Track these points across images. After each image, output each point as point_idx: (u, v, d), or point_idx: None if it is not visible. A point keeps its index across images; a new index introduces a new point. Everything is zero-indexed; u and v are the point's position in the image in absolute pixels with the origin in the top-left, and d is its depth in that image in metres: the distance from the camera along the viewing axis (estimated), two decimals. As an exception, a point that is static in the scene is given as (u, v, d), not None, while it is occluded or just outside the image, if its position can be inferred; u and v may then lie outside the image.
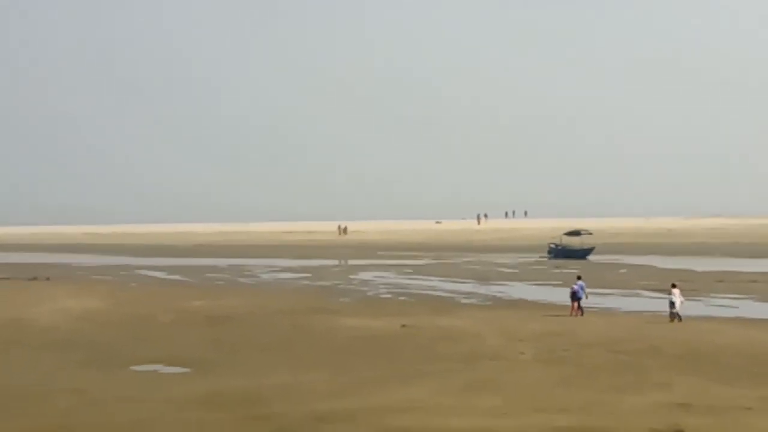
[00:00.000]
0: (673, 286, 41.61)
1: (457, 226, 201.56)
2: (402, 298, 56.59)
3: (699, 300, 53.19)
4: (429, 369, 28.10)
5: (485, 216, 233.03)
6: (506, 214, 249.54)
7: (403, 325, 39.02)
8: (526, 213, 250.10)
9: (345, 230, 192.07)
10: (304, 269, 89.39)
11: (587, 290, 43.63)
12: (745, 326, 39.16)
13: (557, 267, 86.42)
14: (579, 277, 45.77)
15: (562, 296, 50.90)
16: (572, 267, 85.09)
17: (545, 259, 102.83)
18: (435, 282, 70.30)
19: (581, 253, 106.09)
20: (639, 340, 33.86)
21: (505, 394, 23.90)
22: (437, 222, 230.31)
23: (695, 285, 62.52)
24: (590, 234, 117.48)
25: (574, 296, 43.56)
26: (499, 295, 57.57)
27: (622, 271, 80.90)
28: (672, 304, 40.53)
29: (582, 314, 43.02)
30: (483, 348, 32.70)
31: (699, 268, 79.52)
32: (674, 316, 40.34)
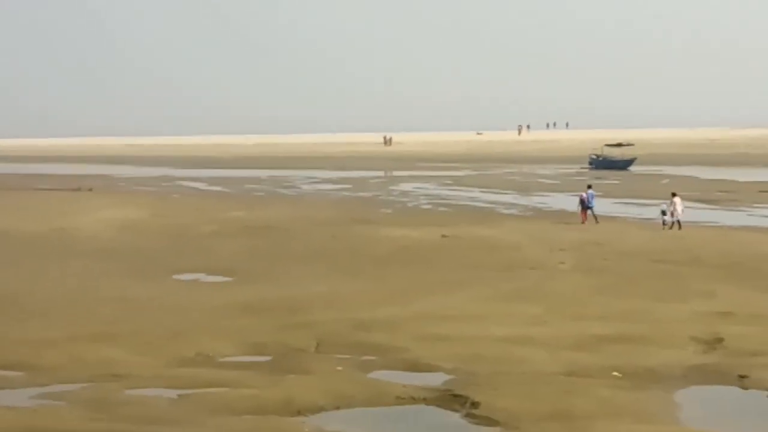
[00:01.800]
0: (674, 195, 42.11)
1: (498, 137, 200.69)
2: (442, 208, 56.59)
3: (741, 210, 52.90)
4: (468, 278, 28.14)
5: (527, 127, 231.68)
6: (547, 125, 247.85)
7: (444, 236, 39.00)
8: (567, 124, 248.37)
9: (390, 141, 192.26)
10: (344, 180, 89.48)
11: (623, 200, 43.40)
12: (788, 236, 38.85)
13: (598, 178, 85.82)
14: (589, 186, 46.39)
15: (607, 207, 50.71)
16: (613, 178, 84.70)
17: (586, 170, 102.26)
18: (475, 193, 70.24)
19: (622, 164, 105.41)
20: (680, 251, 33.70)
21: (545, 302, 23.89)
22: (478, 133, 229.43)
23: (737, 195, 62.18)
24: (632, 145, 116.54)
25: (584, 204, 44.28)
26: (539, 205, 57.47)
27: (664, 181, 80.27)
28: (663, 212, 41.31)
29: (597, 222, 43.68)
30: (523, 258, 32.69)
31: (741, 179, 78.88)
32: (666, 223, 40.96)
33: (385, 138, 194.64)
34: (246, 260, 33.52)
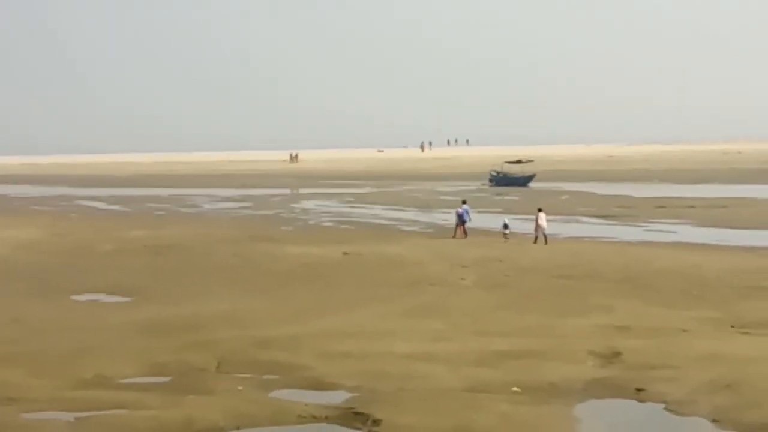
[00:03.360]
0: (539, 210, 43.64)
1: (400, 155, 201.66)
2: (344, 226, 56.59)
3: (638, 225, 53.75)
4: (371, 295, 28.17)
5: (430, 144, 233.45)
6: (448, 142, 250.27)
7: (345, 253, 39.00)
8: (467, 141, 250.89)
9: (296, 158, 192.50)
10: (245, 198, 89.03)
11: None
12: (683, 250, 39.60)
13: (498, 194, 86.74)
14: (464, 202, 47.94)
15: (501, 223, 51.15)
16: (513, 194, 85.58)
17: (487, 187, 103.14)
18: (377, 210, 70.38)
19: (522, 181, 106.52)
20: (579, 265, 34.14)
21: (447, 318, 24.02)
22: (379, 150, 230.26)
23: (634, 211, 63.19)
24: (531, 161, 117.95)
25: (460, 219, 45.57)
26: (440, 222, 57.68)
27: (563, 197, 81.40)
28: (538, 226, 42.43)
29: (466, 236, 44.88)
30: (425, 274, 32.82)
31: (638, 194, 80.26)
32: (537, 238, 42.29)
33: (291, 155, 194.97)
34: (147, 279, 33.13)
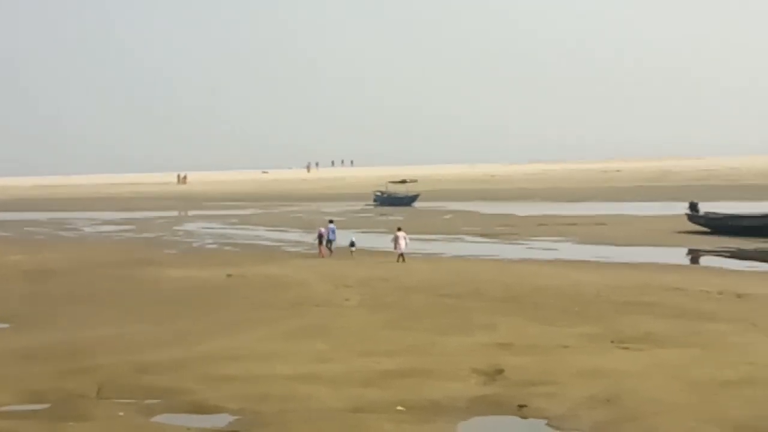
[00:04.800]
0: (399, 229, 45.10)
1: (285, 176, 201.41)
2: (228, 248, 56.24)
3: (520, 243, 54.45)
4: (255, 317, 27.99)
5: (316, 165, 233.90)
6: (333, 162, 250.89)
7: (229, 275, 38.74)
8: (352, 162, 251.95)
9: (185, 179, 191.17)
10: (128, 221, 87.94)
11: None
12: (564, 267, 40.22)
13: (383, 214, 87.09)
14: (331, 221, 49.83)
15: (387, 243, 51.37)
16: (398, 214, 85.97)
17: (371, 207, 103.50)
18: (261, 231, 70.14)
19: (406, 201, 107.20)
20: (463, 284, 34.37)
21: (331, 339, 23.97)
22: (264, 172, 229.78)
23: (517, 229, 64.01)
24: (415, 182, 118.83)
25: (321, 239, 47.11)
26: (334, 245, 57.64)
27: (447, 216, 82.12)
28: (398, 246, 43.44)
29: (330, 254, 46.46)
30: (309, 295, 32.73)
31: (520, 213, 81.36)
32: (400, 256, 43.11)
33: (179, 176, 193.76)
34: (25, 305, 32.42)
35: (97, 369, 21.06)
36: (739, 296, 29.89)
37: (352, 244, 47.11)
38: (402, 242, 43.47)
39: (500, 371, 19.99)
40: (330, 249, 47.21)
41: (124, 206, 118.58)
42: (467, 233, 63.04)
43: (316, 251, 47.49)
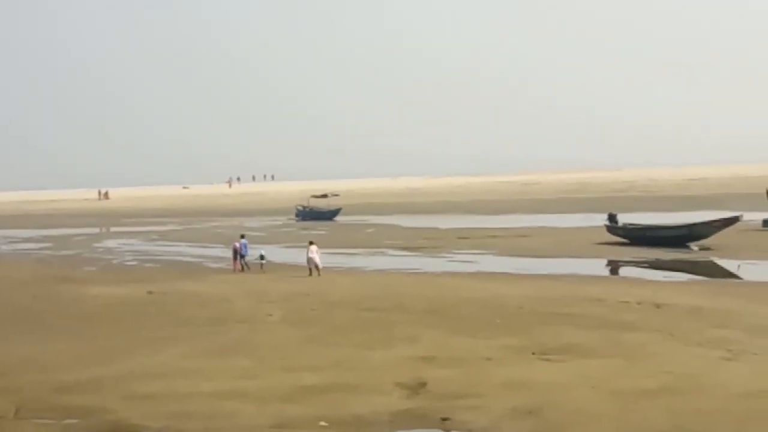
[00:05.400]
0: (311, 243, 45.35)
1: (206, 191, 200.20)
2: (148, 264, 55.72)
3: (442, 257, 54.63)
4: (176, 334, 27.75)
5: (237, 179, 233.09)
6: (253, 177, 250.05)
7: (150, 292, 38.41)
8: (273, 177, 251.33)
9: (106, 195, 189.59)
10: (46, 239, 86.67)
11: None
12: (486, 280, 40.45)
13: (305, 229, 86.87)
14: (242, 236, 50.71)
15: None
16: (320, 228, 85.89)
17: (293, 222, 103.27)
18: (182, 247, 69.57)
19: (328, 215, 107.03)
20: (386, 298, 34.41)
21: (254, 355, 23.86)
22: (184, 187, 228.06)
23: (439, 242, 64.22)
24: (337, 196, 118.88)
25: (236, 254, 47.88)
26: (247, 258, 57.38)
27: (369, 230, 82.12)
28: (309, 259, 43.93)
29: (243, 270, 47.16)
30: (231, 311, 32.56)
31: (443, 226, 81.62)
32: (312, 270, 43.69)
33: (100, 192, 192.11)
34: (-60, 325, 31.79)
35: (15, 389, 20.75)
36: (657, 306, 30.31)
37: (262, 257, 48.11)
38: (315, 256, 43.91)
39: (423, 384, 20.05)
40: (244, 264, 47.77)
41: (42, 223, 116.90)
42: (390, 246, 63.11)
43: (256, 268, 47.47)
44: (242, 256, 47.94)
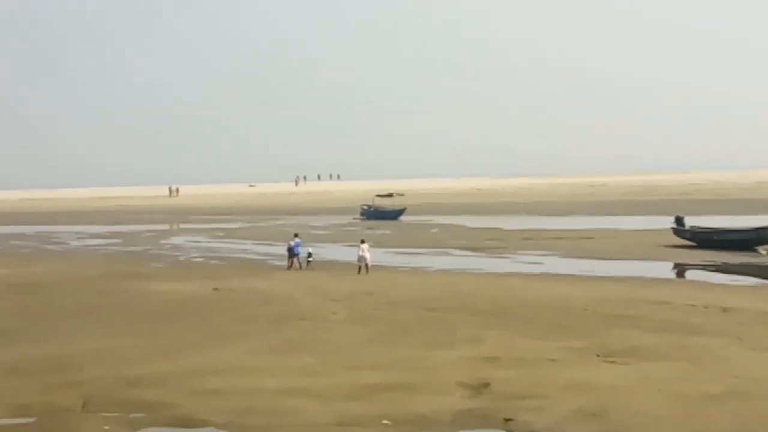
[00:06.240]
0: (362, 241, 46.60)
1: (272, 189, 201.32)
2: (214, 261, 56.16)
3: (507, 257, 54.46)
4: (240, 331, 27.94)
5: (304, 178, 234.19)
6: (319, 176, 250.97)
7: (215, 289, 38.70)
8: (339, 176, 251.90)
9: (177, 192, 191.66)
10: (114, 235, 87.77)
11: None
12: (550, 281, 40.27)
13: (370, 228, 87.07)
14: (296, 235, 50.86)
15: (378, 256, 51.43)
16: (384, 228, 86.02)
17: (358, 221, 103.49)
18: (248, 245, 69.98)
19: (393, 214, 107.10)
20: (450, 298, 34.38)
21: (317, 353, 23.96)
22: (251, 185, 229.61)
23: (503, 243, 64.05)
24: (402, 195, 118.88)
25: (291, 252, 48.55)
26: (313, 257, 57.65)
27: (434, 230, 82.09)
28: (360, 257, 45.02)
29: (300, 268, 47.73)
30: (295, 309, 32.69)
31: (506, 227, 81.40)
32: (361, 268, 44.66)
33: (170, 189, 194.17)
34: (10, 320, 32.28)
35: (83, 383, 21.02)
36: (724, 310, 29.99)
37: (309, 255, 48.84)
38: (366, 254, 45.01)
39: (486, 385, 20.02)
40: (300, 263, 48.46)
41: (111, 220, 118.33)
42: (454, 246, 63.05)
43: (304, 266, 47.75)
44: (296, 254, 48.52)
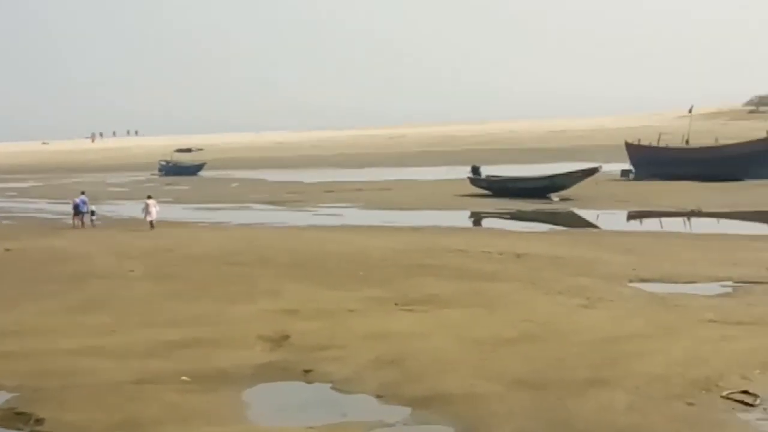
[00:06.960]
0: (149, 197, 46.22)
1: (67, 147, 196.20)
2: (6, 221, 54.48)
3: (307, 210, 54.67)
4: (34, 291, 27.14)
5: (100, 135, 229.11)
6: (114, 133, 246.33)
7: (8, 249, 37.46)
8: (137, 132, 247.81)
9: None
10: None
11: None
12: (350, 233, 40.52)
13: (168, 184, 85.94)
14: (82, 192, 50.24)
15: (177, 213, 50.85)
16: (184, 184, 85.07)
17: (156, 177, 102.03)
18: (42, 204, 68.23)
19: (192, 170, 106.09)
20: (250, 252, 34.22)
21: (114, 312, 23.51)
22: (44, 143, 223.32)
23: (304, 196, 64.23)
24: (201, 150, 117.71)
25: (77, 210, 47.68)
26: (109, 214, 56.55)
27: (234, 185, 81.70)
28: (147, 213, 44.93)
29: (83, 226, 47.02)
30: (92, 267, 31.97)
31: (307, 180, 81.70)
32: (150, 223, 44.53)
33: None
34: None
35: None
36: (518, 256, 30.80)
37: (93, 213, 48.13)
38: (153, 209, 44.66)
39: (286, 337, 20.03)
40: (83, 221, 47.64)
41: None
42: (254, 201, 62.89)
43: (100, 223, 46.85)
44: (82, 212, 47.69)
